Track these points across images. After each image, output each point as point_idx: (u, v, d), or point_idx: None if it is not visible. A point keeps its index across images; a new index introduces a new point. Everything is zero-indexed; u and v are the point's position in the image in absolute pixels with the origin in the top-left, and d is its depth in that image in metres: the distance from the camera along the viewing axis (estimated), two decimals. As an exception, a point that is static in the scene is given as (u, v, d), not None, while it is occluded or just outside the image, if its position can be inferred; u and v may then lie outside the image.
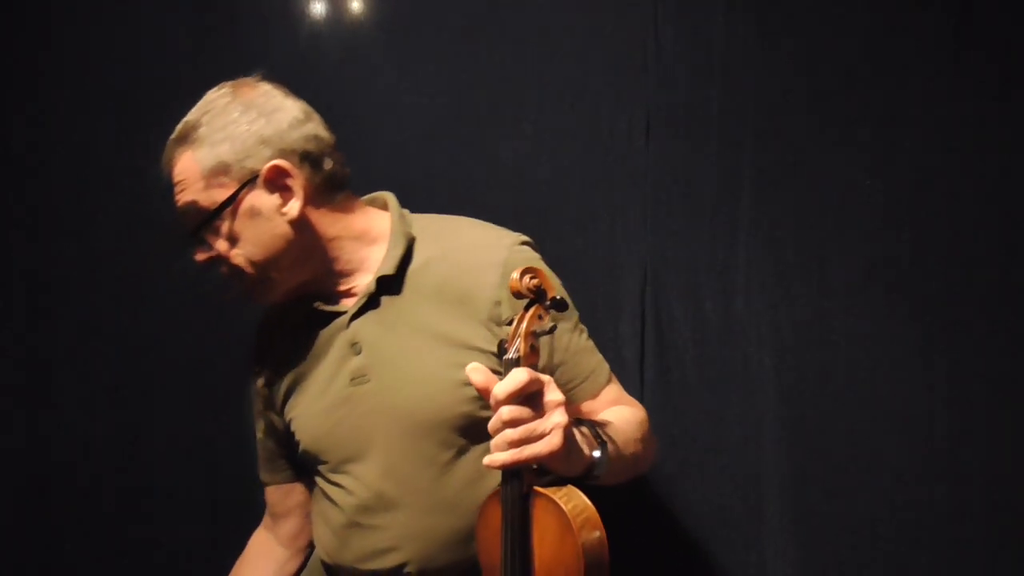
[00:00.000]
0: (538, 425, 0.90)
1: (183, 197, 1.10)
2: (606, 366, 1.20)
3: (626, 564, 1.51)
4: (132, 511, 1.66)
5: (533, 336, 0.98)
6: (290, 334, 1.20)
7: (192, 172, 1.09)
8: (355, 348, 1.13)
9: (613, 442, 1.03)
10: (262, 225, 1.10)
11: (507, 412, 0.89)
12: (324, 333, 1.16)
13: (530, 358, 0.97)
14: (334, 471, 1.16)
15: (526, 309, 1.00)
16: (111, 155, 1.62)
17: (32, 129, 1.64)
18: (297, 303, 1.18)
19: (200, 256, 1.12)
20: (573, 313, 1.17)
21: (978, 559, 1.33)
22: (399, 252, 1.14)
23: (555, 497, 0.95)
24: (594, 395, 1.17)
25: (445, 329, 1.11)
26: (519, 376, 0.89)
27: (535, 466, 0.96)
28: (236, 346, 1.60)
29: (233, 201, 1.08)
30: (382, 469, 1.12)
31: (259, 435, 1.29)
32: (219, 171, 1.08)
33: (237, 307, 1.59)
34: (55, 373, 1.67)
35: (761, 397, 1.41)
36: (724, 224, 1.42)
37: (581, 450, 0.98)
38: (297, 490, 1.30)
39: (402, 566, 1.12)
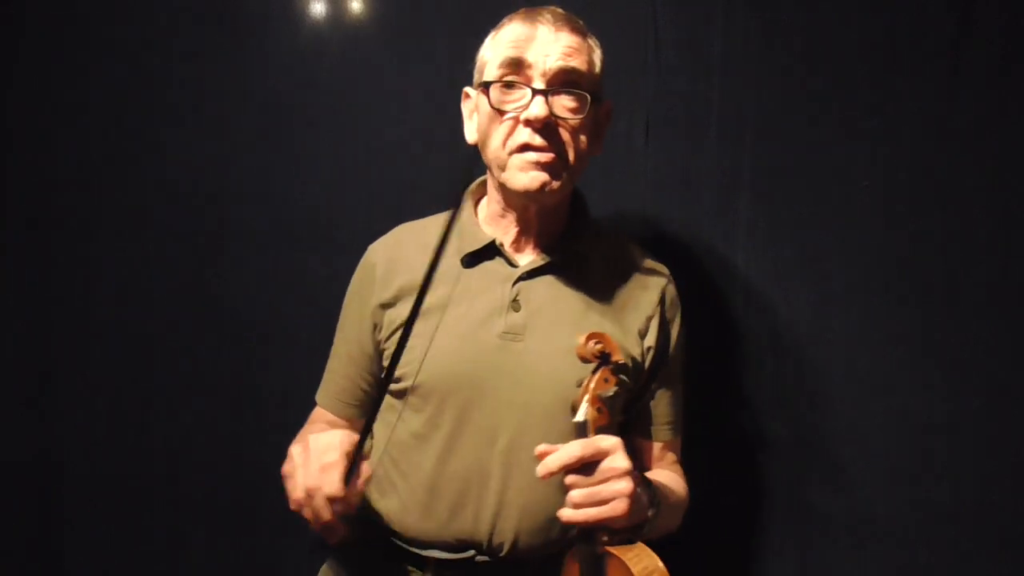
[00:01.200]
0: (601, 490, 0.98)
1: (572, 61, 1.12)
2: (681, 426, 1.28)
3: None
4: (132, 511, 1.66)
5: (599, 400, 1.04)
6: (433, 266, 1.18)
7: (590, 54, 1.15)
8: (515, 305, 1.15)
9: (662, 510, 1.10)
10: (593, 136, 1.17)
11: (569, 479, 0.99)
12: (482, 278, 1.18)
13: (598, 421, 1.03)
14: (442, 414, 1.13)
15: (593, 372, 1.05)
16: (111, 155, 1.62)
17: (32, 129, 1.64)
18: (447, 238, 1.18)
19: (548, 112, 1.10)
20: (683, 364, 1.27)
21: (978, 559, 1.33)
22: (590, 234, 1.21)
23: (624, 558, 1.00)
24: (662, 442, 1.26)
25: (603, 323, 1.16)
26: (572, 450, 0.99)
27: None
28: (236, 345, 1.61)
29: (602, 101, 1.17)
30: (513, 430, 1.11)
31: (338, 362, 1.27)
32: (601, 74, 1.17)
33: (238, 305, 1.60)
34: (54, 373, 1.67)
35: (761, 397, 1.41)
36: (724, 224, 1.42)
37: (642, 510, 1.05)
38: (360, 427, 1.27)
39: (496, 536, 1.12)
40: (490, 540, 1.12)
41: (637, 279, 1.22)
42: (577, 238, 1.20)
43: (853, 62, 1.36)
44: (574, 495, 0.99)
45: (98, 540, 1.67)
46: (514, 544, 1.12)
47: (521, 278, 1.16)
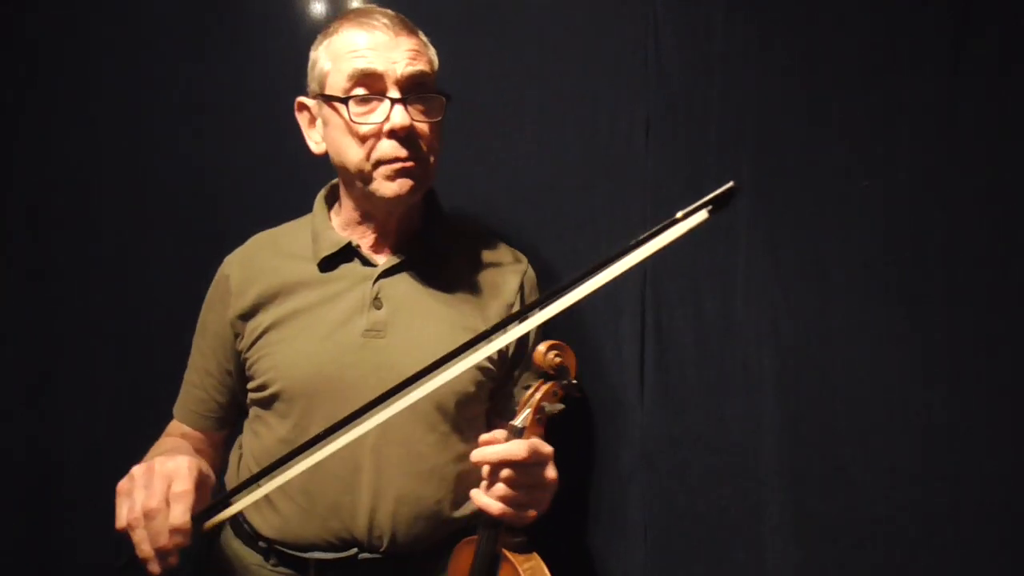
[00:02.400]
0: (526, 495, 1.00)
1: (418, 64, 1.13)
2: None
3: (627, 564, 1.51)
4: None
5: (542, 410, 1.03)
6: (290, 273, 1.19)
7: (428, 53, 1.17)
8: (377, 302, 1.16)
9: None
10: (441, 132, 1.18)
11: (505, 472, 0.99)
12: (341, 280, 1.18)
13: (534, 429, 1.03)
14: (309, 417, 1.14)
15: (544, 381, 1.04)
16: (111, 155, 1.62)
17: (32, 129, 1.64)
18: (304, 243, 1.21)
19: (411, 120, 1.11)
20: None
21: (978, 559, 1.33)
22: (443, 228, 1.23)
23: (520, 568, 1.01)
24: None
25: (466, 314, 1.19)
26: (518, 449, 0.98)
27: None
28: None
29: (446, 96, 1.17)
30: (381, 426, 1.11)
31: (195, 374, 1.28)
32: (438, 69, 1.19)
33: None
34: (54, 373, 1.67)
35: (761, 397, 1.41)
36: (724, 224, 1.42)
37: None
38: (216, 439, 1.30)
39: (374, 531, 1.13)
40: (369, 535, 1.13)
41: (496, 269, 1.25)
42: (434, 233, 1.22)
43: (853, 62, 1.36)
44: (501, 489, 0.99)
45: (98, 540, 1.67)
46: (393, 537, 1.13)
47: (381, 276, 1.17)
